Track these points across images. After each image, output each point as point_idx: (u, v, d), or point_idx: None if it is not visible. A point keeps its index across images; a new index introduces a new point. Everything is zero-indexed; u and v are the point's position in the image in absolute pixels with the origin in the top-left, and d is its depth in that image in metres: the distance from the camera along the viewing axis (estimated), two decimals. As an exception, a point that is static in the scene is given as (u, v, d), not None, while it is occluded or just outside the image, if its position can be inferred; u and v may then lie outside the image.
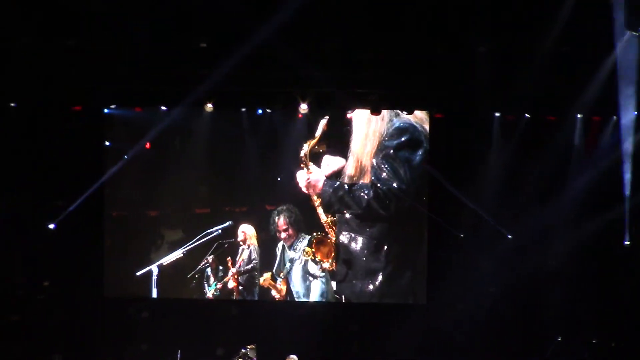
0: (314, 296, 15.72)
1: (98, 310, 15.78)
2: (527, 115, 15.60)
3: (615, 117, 15.29)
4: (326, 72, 14.93)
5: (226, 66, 14.77)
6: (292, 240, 15.79)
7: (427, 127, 15.55)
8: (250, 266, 15.80)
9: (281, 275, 15.76)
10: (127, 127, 15.90)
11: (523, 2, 14.11)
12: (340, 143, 15.64)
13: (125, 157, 15.67)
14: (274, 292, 15.70)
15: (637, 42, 13.64)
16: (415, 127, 15.52)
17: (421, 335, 15.42)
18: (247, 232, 15.82)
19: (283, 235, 15.75)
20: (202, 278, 15.79)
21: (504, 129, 15.65)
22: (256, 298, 15.84)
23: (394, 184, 15.50)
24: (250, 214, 15.92)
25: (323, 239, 15.64)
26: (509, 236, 15.49)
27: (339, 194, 15.57)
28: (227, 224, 15.79)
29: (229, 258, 15.72)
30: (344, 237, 15.67)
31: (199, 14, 14.23)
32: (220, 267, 15.79)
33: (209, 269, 15.79)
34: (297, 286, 15.77)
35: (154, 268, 15.75)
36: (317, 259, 15.57)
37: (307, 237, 15.70)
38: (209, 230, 15.75)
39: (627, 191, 15.03)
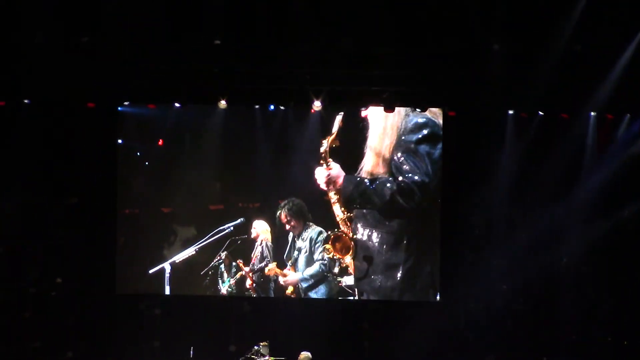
0: (318, 285, 15.80)
1: (110, 307, 15.78)
2: (541, 113, 15.59)
3: (629, 115, 15.32)
4: (340, 69, 15.00)
5: (240, 63, 14.88)
6: (299, 230, 15.81)
7: (440, 122, 15.62)
8: (263, 263, 15.82)
9: (289, 263, 15.79)
10: (141, 124, 15.95)
11: (537, 0, 14.12)
12: (355, 138, 15.63)
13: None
14: (281, 279, 15.73)
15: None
16: (434, 121, 15.55)
17: (434, 332, 15.39)
18: (259, 228, 15.86)
19: (288, 227, 15.79)
20: (216, 275, 15.80)
21: (517, 126, 15.63)
22: (272, 294, 15.88)
23: (417, 177, 15.49)
24: (264, 209, 15.94)
25: (340, 235, 15.64)
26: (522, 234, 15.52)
27: (361, 188, 15.55)
28: (239, 220, 15.81)
29: (239, 260, 15.78)
30: (362, 233, 15.65)
31: (213, 10, 14.27)
32: (234, 264, 15.82)
33: (222, 266, 15.81)
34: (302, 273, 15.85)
35: (167, 266, 15.77)
36: (336, 257, 15.60)
37: (314, 226, 15.73)
38: (221, 227, 15.77)
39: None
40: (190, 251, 15.79)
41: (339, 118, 15.43)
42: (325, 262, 15.68)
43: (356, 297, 15.59)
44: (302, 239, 15.80)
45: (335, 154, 15.55)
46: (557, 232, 15.55)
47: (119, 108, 15.80)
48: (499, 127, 15.63)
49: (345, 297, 15.66)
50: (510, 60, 14.66)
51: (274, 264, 15.70)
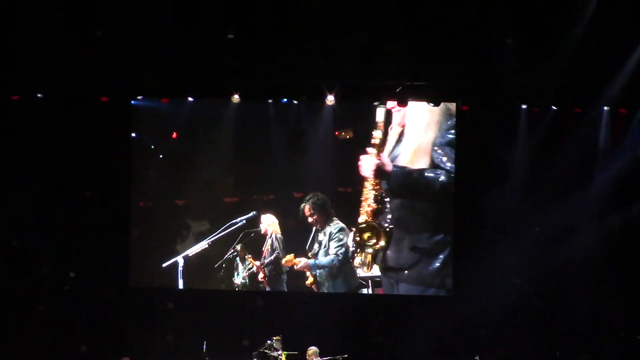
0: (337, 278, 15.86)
1: (124, 301, 15.80)
2: (554, 107, 15.59)
3: (642, 110, 15.37)
4: (353, 64, 15.02)
5: (253, 57, 14.90)
6: (322, 223, 15.85)
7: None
8: (273, 256, 15.85)
9: (310, 254, 15.82)
10: (154, 118, 15.97)
11: (551, -6, 14.17)
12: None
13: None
14: (296, 266, 15.79)
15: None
16: None
17: (446, 327, 15.38)
18: (266, 222, 15.90)
19: (310, 220, 15.82)
20: (231, 267, 15.85)
21: (530, 121, 15.64)
22: (284, 287, 15.91)
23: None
24: (277, 202, 15.99)
25: (372, 226, 15.67)
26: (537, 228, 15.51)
27: (412, 178, 15.64)
28: (251, 214, 15.86)
29: (247, 256, 15.80)
30: (395, 224, 15.71)
31: (227, 5, 14.30)
32: (249, 256, 15.86)
33: (237, 258, 15.86)
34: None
35: (180, 259, 15.82)
36: (369, 244, 15.65)
37: (337, 222, 15.75)
38: (234, 221, 15.81)
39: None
40: (203, 245, 15.83)
41: (381, 110, 15.46)
42: (340, 256, 15.71)
43: (370, 291, 15.64)
44: (324, 233, 15.85)
45: (346, 145, 15.72)
46: (569, 227, 15.50)
47: (133, 102, 15.82)
48: (512, 122, 15.65)
49: (360, 291, 15.73)
50: (524, 55, 14.69)
51: (291, 255, 15.74)
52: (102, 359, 15.34)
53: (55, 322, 15.65)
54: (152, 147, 15.95)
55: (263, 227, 15.88)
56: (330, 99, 15.34)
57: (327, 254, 15.79)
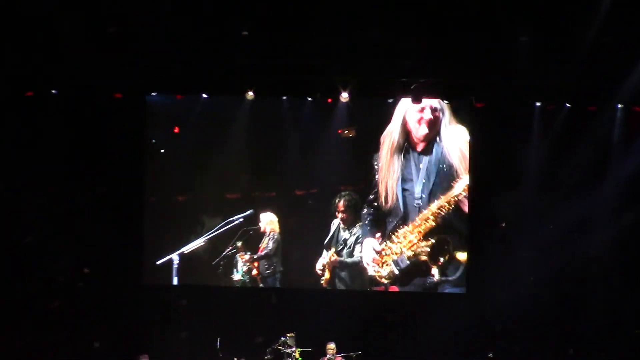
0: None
1: (137, 297, 15.78)
2: (568, 105, 15.57)
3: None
4: (367, 61, 15.01)
5: (267, 54, 14.88)
6: (350, 223, 15.88)
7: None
8: (265, 252, 15.90)
9: (331, 250, 15.85)
10: (168, 114, 15.96)
11: (565, -8, 14.15)
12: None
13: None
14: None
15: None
16: None
17: (461, 324, 15.38)
18: (267, 220, 15.95)
19: (340, 215, 15.88)
20: (230, 264, 15.87)
21: (544, 118, 15.62)
22: (278, 285, 15.98)
23: None
24: (280, 199, 16.08)
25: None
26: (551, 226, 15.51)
27: None
28: (248, 212, 15.87)
29: (240, 254, 15.85)
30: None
31: (240, 1, 14.29)
32: (249, 253, 15.90)
33: (237, 255, 15.88)
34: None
35: (175, 257, 15.83)
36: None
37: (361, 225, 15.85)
38: (231, 219, 15.84)
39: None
40: (199, 242, 15.85)
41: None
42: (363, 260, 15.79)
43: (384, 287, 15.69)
44: (351, 233, 15.88)
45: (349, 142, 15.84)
46: (584, 225, 15.52)
47: (147, 98, 15.81)
48: (526, 119, 15.62)
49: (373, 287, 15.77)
50: (538, 52, 14.68)
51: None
52: (115, 355, 15.30)
53: (68, 318, 15.63)
54: (166, 143, 15.93)
55: (262, 225, 15.92)
56: (344, 96, 15.35)
57: (351, 255, 15.83)
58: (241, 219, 15.85)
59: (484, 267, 15.54)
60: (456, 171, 15.58)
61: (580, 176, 15.41)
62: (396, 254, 15.66)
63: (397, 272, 15.63)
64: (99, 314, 15.67)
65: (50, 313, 15.70)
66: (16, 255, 15.69)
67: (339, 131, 15.85)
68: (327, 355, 14.36)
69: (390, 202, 15.73)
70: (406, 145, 15.72)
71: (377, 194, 15.79)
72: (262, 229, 15.93)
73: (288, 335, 14.32)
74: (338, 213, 15.91)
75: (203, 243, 15.85)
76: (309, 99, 15.73)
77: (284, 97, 15.76)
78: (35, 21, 14.41)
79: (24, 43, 14.61)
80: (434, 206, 15.60)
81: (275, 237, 15.97)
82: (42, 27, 14.48)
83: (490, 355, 15.16)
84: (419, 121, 15.68)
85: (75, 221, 15.71)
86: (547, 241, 15.53)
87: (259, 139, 15.99)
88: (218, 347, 14.40)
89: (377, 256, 15.71)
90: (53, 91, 15.54)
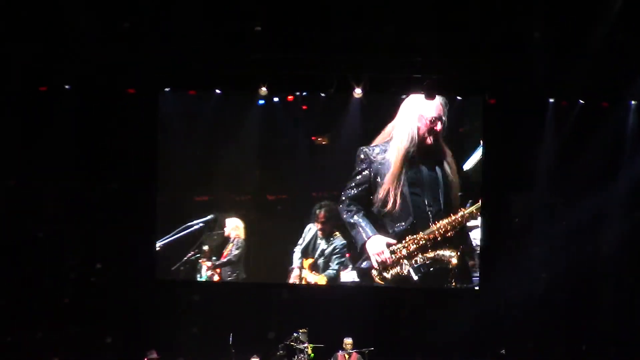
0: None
1: (149, 293, 15.76)
2: (581, 101, 15.57)
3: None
4: (380, 57, 15.00)
5: (280, 50, 14.88)
6: (327, 233, 15.81)
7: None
8: (228, 258, 15.87)
9: (308, 261, 15.81)
10: (181, 110, 15.92)
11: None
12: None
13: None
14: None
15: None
16: None
17: (473, 320, 15.41)
18: (230, 225, 15.89)
19: (319, 226, 15.80)
20: (194, 268, 15.85)
21: (557, 114, 15.62)
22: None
23: None
24: (299, 199, 16.05)
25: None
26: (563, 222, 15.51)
27: None
28: (209, 217, 15.85)
29: (202, 260, 15.85)
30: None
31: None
32: (213, 258, 15.84)
33: (200, 261, 15.88)
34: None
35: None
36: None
37: (340, 236, 15.75)
38: (190, 224, 15.80)
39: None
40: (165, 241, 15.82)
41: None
42: (337, 272, 15.77)
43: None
44: (328, 243, 15.82)
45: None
46: (597, 221, 15.55)
47: (160, 94, 15.79)
48: (540, 115, 15.62)
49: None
50: (551, 49, 14.68)
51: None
52: (127, 350, 15.33)
53: (81, 313, 15.62)
54: (179, 139, 15.90)
55: (227, 231, 15.89)
56: (357, 92, 15.36)
57: (327, 266, 15.81)
58: (200, 224, 15.82)
59: (497, 263, 15.54)
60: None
61: (593, 173, 15.44)
62: (409, 257, 15.67)
63: (415, 278, 15.58)
64: (111, 310, 15.66)
65: (63, 308, 15.68)
66: (29, 250, 15.70)
67: (313, 138, 15.81)
68: (344, 350, 14.42)
69: (397, 207, 15.60)
70: (416, 155, 15.65)
71: (377, 196, 15.68)
72: (226, 234, 15.86)
73: (300, 331, 14.35)
74: (317, 223, 15.79)
75: (158, 249, 15.77)
76: (322, 94, 15.72)
77: (297, 93, 15.75)
78: (49, 16, 14.44)
79: (38, 38, 14.62)
80: (445, 221, 15.53)
81: (240, 243, 15.88)
82: (56, 22, 14.49)
83: (503, 351, 15.18)
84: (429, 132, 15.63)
85: (88, 217, 15.71)
86: (559, 238, 15.58)
87: (273, 136, 16.00)
88: (231, 342, 14.44)
89: (389, 255, 15.71)
90: (67, 86, 15.52)
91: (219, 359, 14.55)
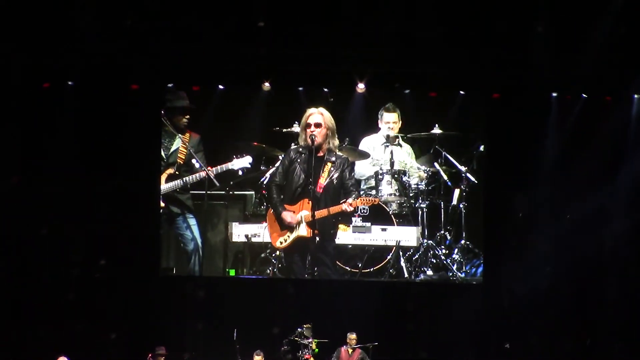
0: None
1: (154, 289, 15.68)
2: (584, 95, 15.55)
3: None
4: (384, 51, 15.01)
5: (283, 45, 14.89)
6: None
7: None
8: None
9: None
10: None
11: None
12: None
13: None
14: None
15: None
16: None
17: (477, 315, 15.37)
18: None
19: None
20: None
21: (561, 109, 15.62)
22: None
23: None
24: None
25: None
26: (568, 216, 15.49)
27: None
28: None
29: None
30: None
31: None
32: None
33: None
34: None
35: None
36: None
37: None
38: None
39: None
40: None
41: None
42: None
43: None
44: None
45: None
46: (601, 215, 15.52)
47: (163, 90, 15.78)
48: (543, 110, 15.62)
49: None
50: (555, 43, 14.69)
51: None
52: (131, 346, 15.28)
53: (85, 310, 15.55)
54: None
55: None
56: (361, 87, 15.36)
57: None
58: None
59: (501, 257, 15.51)
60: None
61: (597, 166, 15.43)
62: None
63: None
64: (115, 306, 15.61)
65: (67, 305, 15.61)
66: (33, 247, 15.64)
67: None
68: (348, 345, 14.41)
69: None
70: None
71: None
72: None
73: (304, 326, 14.29)
74: None
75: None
76: (326, 89, 15.70)
77: (300, 88, 15.69)
78: (52, 12, 14.46)
79: (41, 34, 14.66)
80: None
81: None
82: (59, 17, 14.52)
83: (507, 345, 15.16)
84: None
85: (92, 212, 15.65)
86: (564, 232, 15.51)
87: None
88: (235, 337, 14.42)
89: None
90: (70, 83, 15.51)
91: (223, 354, 14.53)
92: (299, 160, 13.82)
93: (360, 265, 15.52)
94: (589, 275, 15.59)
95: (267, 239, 14.60)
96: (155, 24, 14.65)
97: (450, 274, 15.57)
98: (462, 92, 15.54)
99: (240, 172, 15.58)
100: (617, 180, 15.52)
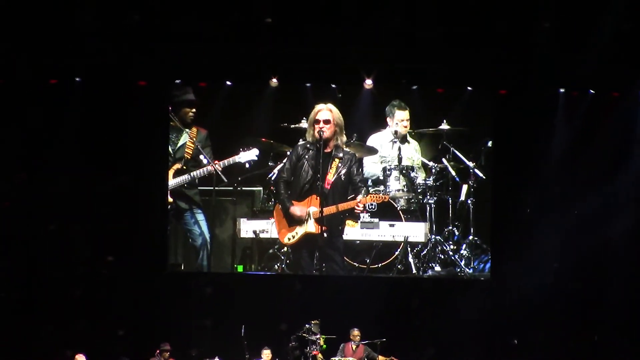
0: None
1: (161, 285, 15.73)
2: (591, 91, 15.56)
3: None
4: (390, 48, 15.01)
5: (291, 41, 14.89)
6: None
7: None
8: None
9: None
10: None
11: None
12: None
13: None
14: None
15: None
16: None
17: (484, 310, 15.43)
18: None
19: None
20: None
21: (568, 105, 15.63)
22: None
23: None
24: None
25: None
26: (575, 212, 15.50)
27: None
28: None
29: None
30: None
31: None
32: None
33: None
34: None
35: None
36: None
37: None
38: None
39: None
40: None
41: None
42: None
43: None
44: None
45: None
46: (608, 210, 15.55)
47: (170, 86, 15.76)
48: (550, 106, 15.63)
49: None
50: (561, 39, 14.70)
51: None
52: (139, 343, 15.27)
53: (92, 306, 15.58)
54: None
55: None
56: (368, 83, 15.36)
57: None
58: None
59: (508, 253, 15.54)
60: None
61: (604, 162, 15.47)
62: None
63: None
64: (122, 302, 15.64)
65: (74, 301, 15.63)
66: (40, 243, 15.68)
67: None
68: (352, 341, 14.42)
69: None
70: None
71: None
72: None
73: (312, 322, 14.30)
74: None
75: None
76: (333, 85, 15.69)
77: (308, 84, 15.67)
78: (59, 8, 14.47)
79: (47, 30, 14.66)
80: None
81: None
82: (66, 14, 14.52)
83: (515, 341, 15.18)
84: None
85: (99, 209, 15.66)
86: (571, 228, 15.54)
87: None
88: (242, 334, 14.43)
89: None
90: (77, 79, 15.52)
91: (231, 351, 14.52)
92: (306, 156, 13.84)
93: (368, 261, 15.50)
94: (596, 270, 15.63)
95: (275, 235, 14.64)
96: (163, 21, 14.64)
97: (458, 270, 15.56)
98: (469, 88, 15.51)
99: (247, 165, 15.55)
100: (624, 176, 15.53)
